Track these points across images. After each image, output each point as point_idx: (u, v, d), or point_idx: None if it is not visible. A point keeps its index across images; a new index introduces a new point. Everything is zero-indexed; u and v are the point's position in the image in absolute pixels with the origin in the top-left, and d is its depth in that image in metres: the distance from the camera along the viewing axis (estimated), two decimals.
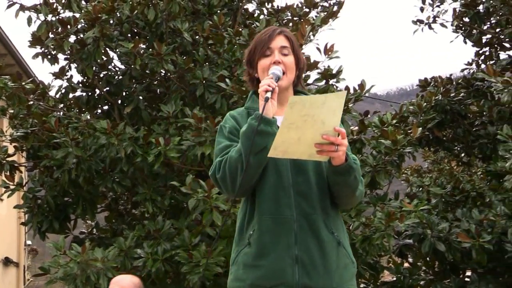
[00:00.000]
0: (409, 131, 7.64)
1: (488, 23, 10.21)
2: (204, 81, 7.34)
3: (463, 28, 10.22)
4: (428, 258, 8.48)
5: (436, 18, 10.20)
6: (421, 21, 10.28)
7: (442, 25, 10.21)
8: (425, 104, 8.76)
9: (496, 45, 10.35)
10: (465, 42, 10.36)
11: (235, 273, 3.22)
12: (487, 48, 10.44)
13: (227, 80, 7.10)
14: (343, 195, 3.21)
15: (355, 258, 3.35)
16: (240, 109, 3.45)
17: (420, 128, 7.69)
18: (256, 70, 3.34)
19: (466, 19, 10.11)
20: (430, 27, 10.26)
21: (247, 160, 3.05)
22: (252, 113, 3.21)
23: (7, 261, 16.37)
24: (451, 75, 10.34)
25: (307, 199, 3.18)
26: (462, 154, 10.67)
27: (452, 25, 10.16)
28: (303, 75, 3.51)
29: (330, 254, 3.17)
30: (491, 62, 10.22)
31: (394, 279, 8.24)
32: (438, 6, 10.15)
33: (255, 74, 3.36)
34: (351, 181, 3.13)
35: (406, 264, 8.58)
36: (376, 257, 8.08)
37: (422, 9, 10.21)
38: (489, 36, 10.24)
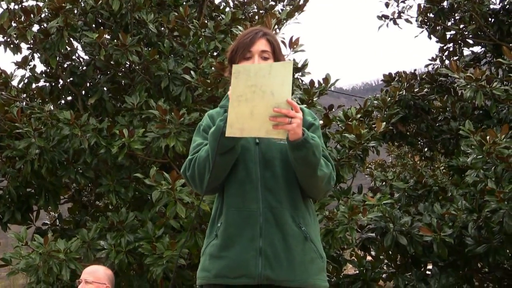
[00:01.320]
0: (373, 126, 7.69)
1: (452, 19, 10.31)
2: (169, 73, 7.33)
3: (427, 24, 10.30)
4: (390, 252, 8.53)
5: (401, 14, 10.27)
6: (386, 17, 10.34)
7: (407, 20, 10.29)
8: (389, 99, 8.83)
9: (459, 41, 10.46)
10: (430, 38, 10.45)
11: (203, 264, 3.29)
12: (451, 44, 10.55)
13: (192, 72, 7.09)
14: (306, 176, 3.20)
15: None
16: (217, 108, 3.50)
17: (384, 123, 7.75)
18: None
19: (431, 15, 10.20)
20: (395, 23, 10.33)
21: (213, 159, 3.10)
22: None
23: None
24: (415, 70, 10.41)
25: (274, 193, 3.21)
26: (425, 149, 10.78)
27: (416, 20, 10.25)
28: None
29: (295, 248, 3.19)
30: (455, 58, 10.34)
31: (357, 272, 8.27)
32: (403, 1, 10.24)
33: None
34: (310, 157, 3.12)
35: (368, 257, 8.62)
36: (339, 250, 8.14)
37: (387, 5, 10.27)
38: (453, 32, 10.34)
